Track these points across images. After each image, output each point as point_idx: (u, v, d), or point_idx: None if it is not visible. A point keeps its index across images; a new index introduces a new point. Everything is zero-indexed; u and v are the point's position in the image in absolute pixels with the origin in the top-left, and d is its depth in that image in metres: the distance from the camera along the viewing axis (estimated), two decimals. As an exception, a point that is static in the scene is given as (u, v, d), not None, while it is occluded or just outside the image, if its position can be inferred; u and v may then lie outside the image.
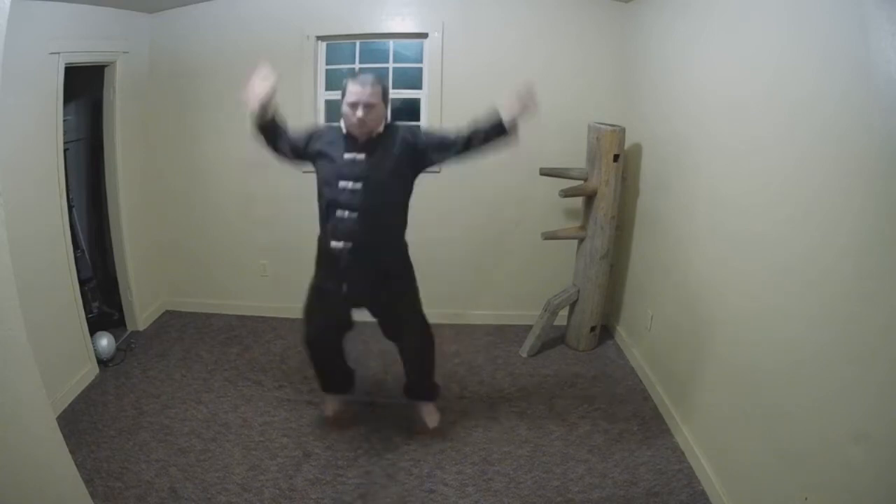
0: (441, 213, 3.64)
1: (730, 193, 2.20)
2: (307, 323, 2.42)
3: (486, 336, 3.64)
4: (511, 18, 3.35)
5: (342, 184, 2.07)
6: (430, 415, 2.63)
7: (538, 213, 3.54)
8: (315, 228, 2.32)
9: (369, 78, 2.00)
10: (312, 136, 2.19)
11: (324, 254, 2.23)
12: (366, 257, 2.14)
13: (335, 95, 3.60)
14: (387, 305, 2.32)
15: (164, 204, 3.74)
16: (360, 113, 1.98)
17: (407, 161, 2.12)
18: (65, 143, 2.88)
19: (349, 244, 2.11)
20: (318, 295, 2.33)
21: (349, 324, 2.43)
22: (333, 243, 2.12)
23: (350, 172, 2.07)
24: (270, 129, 2.18)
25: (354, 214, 2.07)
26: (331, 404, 2.69)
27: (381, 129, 2.11)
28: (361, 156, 2.06)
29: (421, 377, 2.58)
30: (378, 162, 2.06)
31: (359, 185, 2.06)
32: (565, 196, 3.15)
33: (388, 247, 2.22)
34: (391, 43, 3.52)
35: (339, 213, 2.09)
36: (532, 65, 3.39)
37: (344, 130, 2.11)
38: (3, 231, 1.48)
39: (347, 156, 2.07)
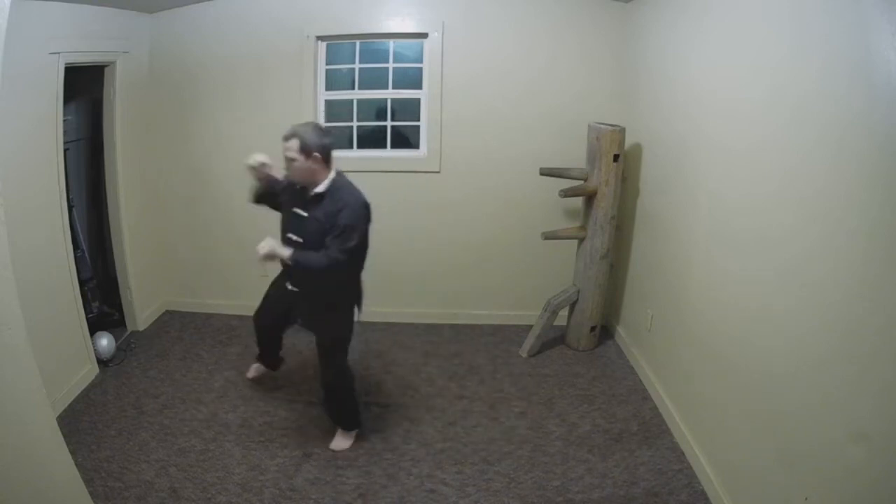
0: (441, 213, 3.65)
1: (730, 194, 2.20)
2: (260, 305, 2.67)
3: (486, 336, 3.64)
4: (511, 18, 3.35)
5: (289, 235, 2.25)
6: (337, 440, 2.54)
7: (538, 213, 3.54)
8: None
9: (288, 132, 2.10)
10: (285, 184, 2.33)
11: (280, 284, 2.49)
12: (309, 297, 2.38)
13: (335, 95, 3.62)
14: (317, 331, 2.45)
15: (164, 204, 3.74)
16: (285, 166, 2.15)
17: (327, 228, 2.18)
18: (65, 143, 2.88)
19: (295, 288, 2.37)
20: (274, 295, 2.59)
21: (288, 321, 2.61)
22: (287, 284, 2.40)
23: (295, 226, 2.24)
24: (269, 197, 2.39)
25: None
26: (255, 371, 3.04)
27: (322, 188, 2.16)
28: (305, 213, 2.19)
29: (329, 405, 2.54)
30: (315, 222, 2.16)
31: (301, 240, 2.21)
32: (565, 196, 3.15)
33: (327, 292, 2.33)
34: (391, 43, 3.52)
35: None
36: (532, 64, 3.40)
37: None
38: (3, 231, 1.48)
39: (296, 210, 2.22)
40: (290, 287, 2.38)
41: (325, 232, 2.13)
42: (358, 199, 2.17)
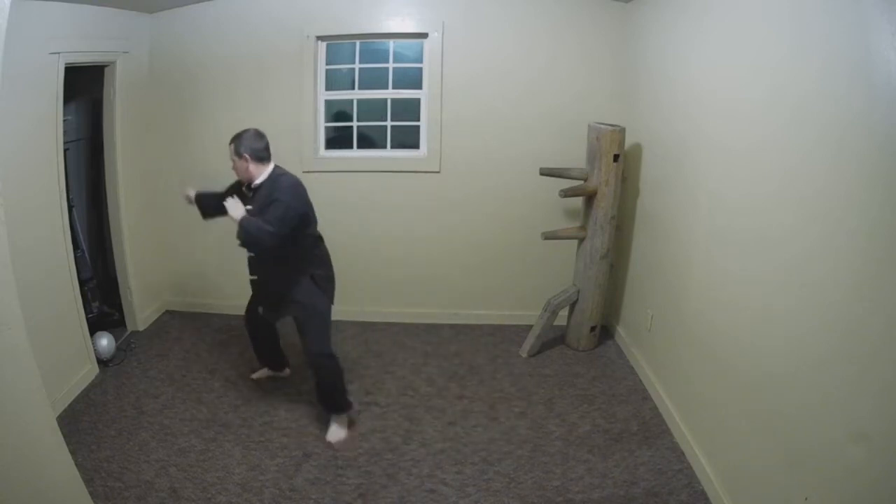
0: (441, 213, 3.65)
1: (730, 194, 2.20)
2: (247, 306, 2.86)
3: (486, 336, 3.64)
4: (511, 18, 3.36)
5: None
6: (332, 429, 2.61)
7: (538, 213, 3.54)
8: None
9: (230, 140, 2.41)
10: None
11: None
12: (268, 287, 2.60)
13: (335, 95, 3.62)
14: (295, 320, 2.61)
15: (164, 204, 3.74)
16: (232, 165, 2.45)
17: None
18: (65, 143, 2.88)
19: (255, 277, 2.62)
20: (254, 293, 2.78)
21: (272, 319, 2.76)
22: (250, 276, 2.64)
23: None
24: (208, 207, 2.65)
25: (251, 254, 2.54)
26: (260, 373, 3.10)
27: (258, 181, 2.43)
28: (249, 207, 2.40)
29: (320, 392, 2.61)
30: (254, 212, 2.37)
31: None
32: (565, 196, 3.15)
33: (282, 278, 2.52)
34: (391, 43, 3.52)
35: (248, 253, 2.54)
36: (532, 64, 3.40)
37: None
38: (3, 231, 1.48)
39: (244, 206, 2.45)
40: (250, 277, 2.62)
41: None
42: (288, 181, 2.42)
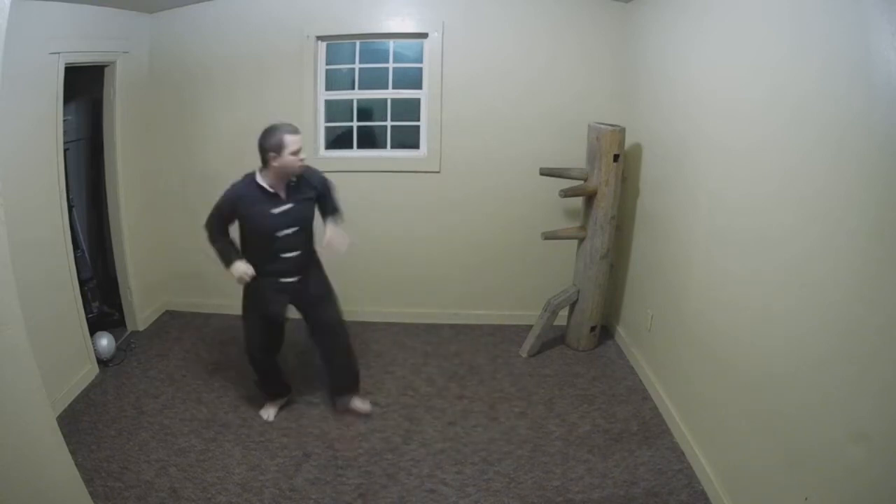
0: (441, 213, 3.65)
1: (730, 194, 2.20)
2: (251, 338, 2.64)
3: (486, 336, 3.64)
4: (511, 18, 3.36)
5: (279, 234, 2.39)
6: (363, 402, 2.81)
7: (538, 213, 3.54)
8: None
9: (296, 128, 2.32)
10: (235, 203, 2.41)
11: (266, 286, 2.49)
12: (306, 279, 2.53)
13: (335, 95, 3.62)
14: (315, 297, 2.58)
15: (164, 204, 3.74)
16: (303, 156, 2.32)
17: (313, 203, 2.50)
18: (65, 143, 2.88)
19: (296, 277, 2.50)
20: (259, 315, 2.58)
21: (284, 321, 2.63)
22: (283, 280, 2.48)
23: (285, 222, 2.39)
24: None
25: (297, 253, 2.45)
26: (272, 409, 2.80)
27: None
28: (290, 205, 2.38)
29: (347, 365, 2.73)
30: (305, 204, 2.43)
31: (297, 228, 2.41)
32: (565, 196, 3.15)
33: (312, 256, 2.59)
34: (391, 43, 3.53)
35: (284, 255, 2.43)
36: (532, 64, 3.40)
37: (263, 184, 2.34)
38: (3, 231, 1.48)
39: (275, 210, 2.36)
40: (290, 280, 2.48)
41: (311, 206, 2.46)
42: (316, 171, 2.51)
